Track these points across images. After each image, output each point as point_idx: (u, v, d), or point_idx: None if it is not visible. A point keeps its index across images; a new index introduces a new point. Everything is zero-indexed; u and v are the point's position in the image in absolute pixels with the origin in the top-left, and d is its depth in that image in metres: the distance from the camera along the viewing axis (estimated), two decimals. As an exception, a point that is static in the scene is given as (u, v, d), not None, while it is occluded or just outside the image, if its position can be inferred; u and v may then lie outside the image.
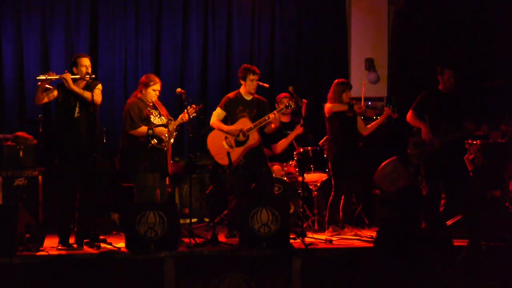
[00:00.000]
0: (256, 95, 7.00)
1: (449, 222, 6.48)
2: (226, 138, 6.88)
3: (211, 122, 6.98)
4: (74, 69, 6.39)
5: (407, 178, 7.89)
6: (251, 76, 6.84)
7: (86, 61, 6.41)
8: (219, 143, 6.87)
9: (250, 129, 6.82)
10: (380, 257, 3.49)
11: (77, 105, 6.31)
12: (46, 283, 5.62)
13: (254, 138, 6.85)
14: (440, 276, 4.09)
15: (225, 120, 7.00)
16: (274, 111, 6.86)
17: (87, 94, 6.27)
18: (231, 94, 7.02)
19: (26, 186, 7.47)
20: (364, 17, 9.59)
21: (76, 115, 6.32)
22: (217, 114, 6.96)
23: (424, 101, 7.02)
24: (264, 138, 7.23)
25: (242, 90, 6.96)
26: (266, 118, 6.81)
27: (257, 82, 6.89)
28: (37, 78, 6.28)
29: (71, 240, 6.29)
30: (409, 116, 7.07)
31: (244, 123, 6.85)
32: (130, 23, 9.27)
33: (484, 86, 8.48)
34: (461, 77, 8.57)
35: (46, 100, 6.34)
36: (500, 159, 7.32)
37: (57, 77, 6.26)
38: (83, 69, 6.36)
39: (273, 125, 6.90)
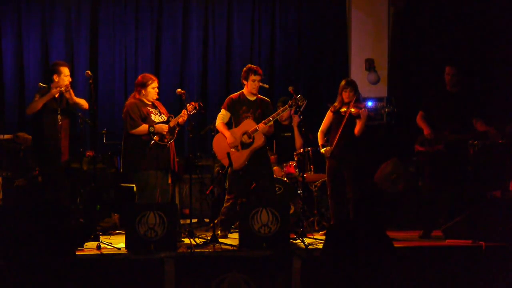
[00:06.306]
0: (259, 96, 7.00)
1: (449, 223, 6.48)
2: None
3: (216, 125, 6.98)
4: (55, 76, 6.64)
5: (407, 178, 7.89)
6: (253, 76, 6.83)
7: (67, 71, 6.68)
8: (225, 145, 6.86)
9: (255, 130, 6.81)
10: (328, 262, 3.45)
11: (59, 112, 6.59)
12: (46, 283, 5.62)
13: (260, 138, 6.82)
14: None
15: (230, 121, 6.99)
16: (278, 111, 6.91)
17: (82, 102, 6.68)
18: (234, 95, 7.01)
19: (26, 186, 7.47)
20: (364, 17, 9.59)
21: (59, 122, 6.59)
22: (222, 116, 6.95)
23: (429, 101, 6.97)
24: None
25: (245, 90, 6.95)
26: (271, 118, 6.79)
27: (259, 82, 6.89)
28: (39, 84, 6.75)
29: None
30: (418, 117, 6.99)
31: (248, 125, 6.84)
32: (130, 23, 9.28)
33: (485, 87, 8.48)
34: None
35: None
36: (500, 159, 7.31)
37: (61, 89, 6.55)
38: (66, 79, 6.62)
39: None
